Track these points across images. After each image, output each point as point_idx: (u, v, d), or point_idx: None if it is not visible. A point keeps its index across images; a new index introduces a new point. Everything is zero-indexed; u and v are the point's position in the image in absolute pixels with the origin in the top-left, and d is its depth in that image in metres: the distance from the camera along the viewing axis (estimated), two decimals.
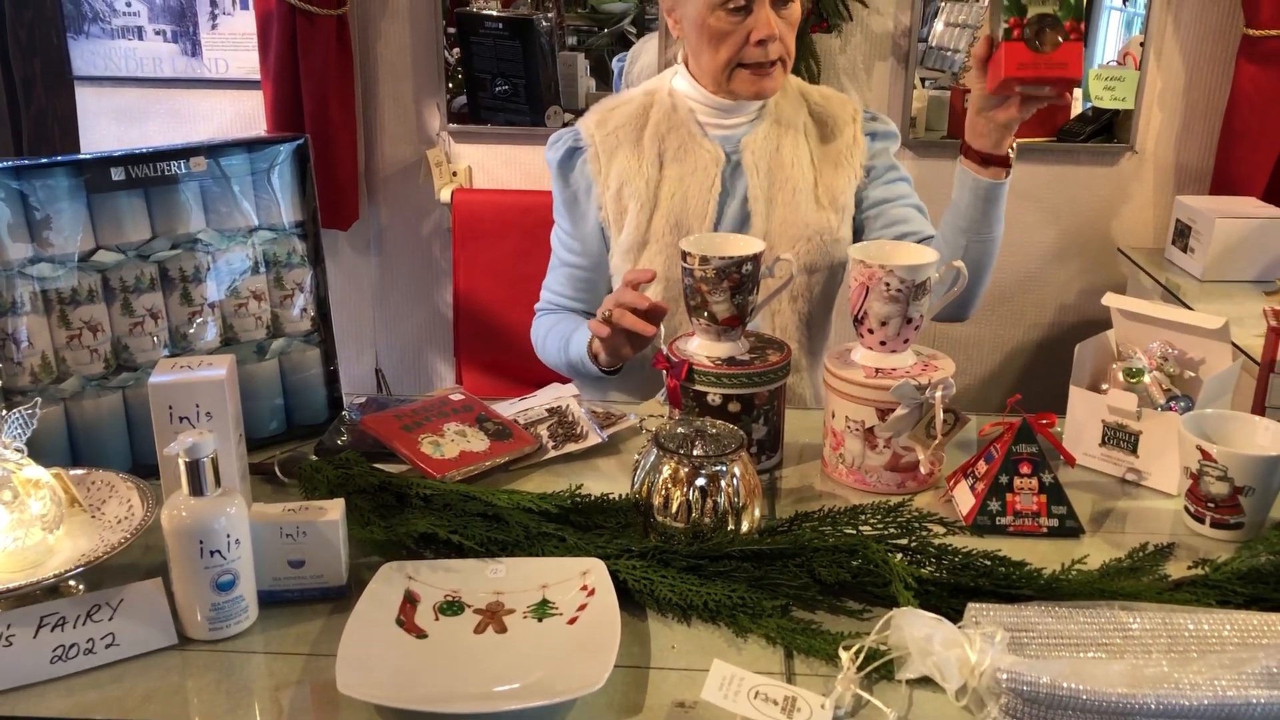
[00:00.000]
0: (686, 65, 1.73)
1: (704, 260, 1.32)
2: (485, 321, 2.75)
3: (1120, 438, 1.34)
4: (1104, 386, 1.36)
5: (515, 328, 2.75)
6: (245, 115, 2.92)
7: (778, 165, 1.71)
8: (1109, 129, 2.87)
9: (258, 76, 2.80)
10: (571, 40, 2.84)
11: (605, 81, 2.87)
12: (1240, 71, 2.67)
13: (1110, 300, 1.41)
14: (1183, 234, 2.58)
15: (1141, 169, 2.86)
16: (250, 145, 1.37)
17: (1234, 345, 1.34)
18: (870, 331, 1.31)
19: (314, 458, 1.31)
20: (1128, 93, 2.79)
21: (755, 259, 1.34)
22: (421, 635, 1.01)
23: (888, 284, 1.27)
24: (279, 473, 1.30)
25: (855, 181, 1.74)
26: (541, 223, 2.77)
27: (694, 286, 1.34)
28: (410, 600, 1.05)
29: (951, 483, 1.31)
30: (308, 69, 2.69)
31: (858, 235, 1.77)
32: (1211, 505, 1.21)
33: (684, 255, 1.34)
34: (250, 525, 1.03)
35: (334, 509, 1.08)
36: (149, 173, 1.29)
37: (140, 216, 1.29)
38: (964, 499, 1.26)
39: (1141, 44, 2.77)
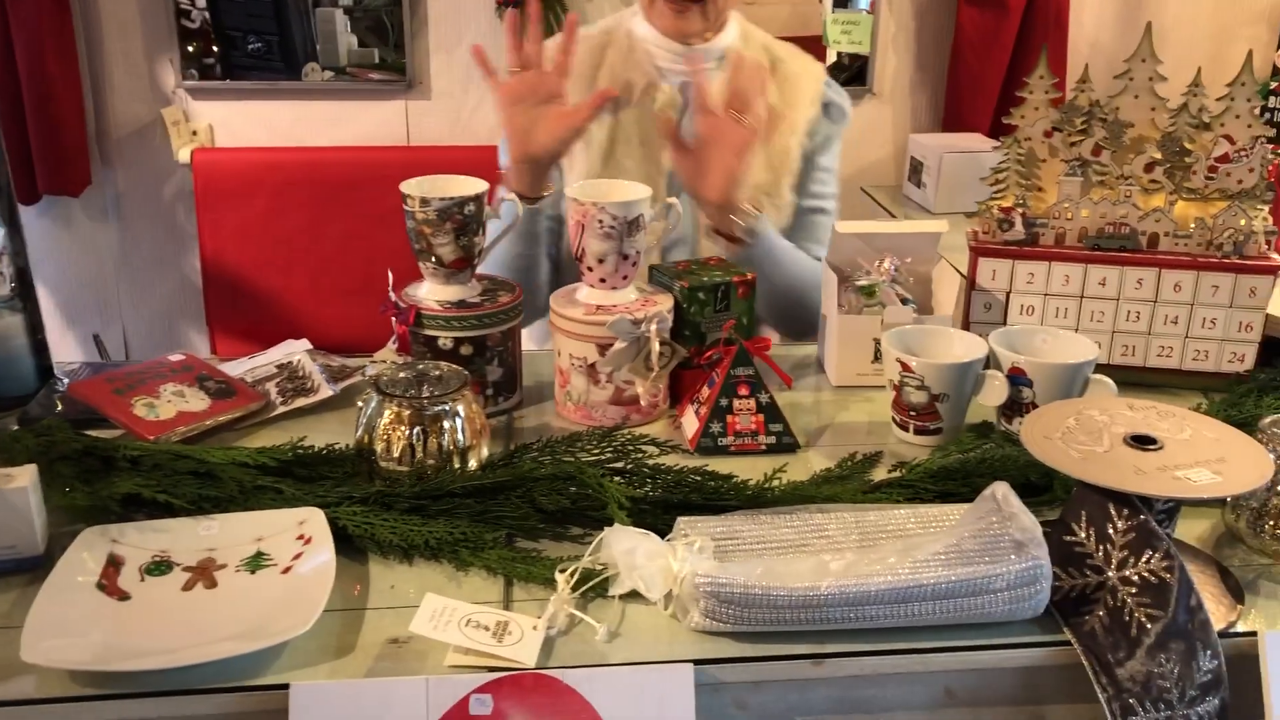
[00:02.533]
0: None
1: (424, 202, 1.31)
2: (236, 286, 2.64)
3: None
4: (841, 306, 1.43)
5: (269, 291, 2.66)
6: None
7: None
8: (861, 76, 2.99)
9: None
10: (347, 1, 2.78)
11: (381, 37, 2.81)
12: (962, 14, 2.84)
13: (841, 227, 1.47)
14: (916, 170, 2.73)
15: (880, 110, 3.00)
16: None
17: (941, 257, 1.43)
18: (590, 269, 1.33)
19: (15, 428, 1.23)
20: (864, 36, 2.92)
21: (478, 199, 1.33)
22: (124, 597, 0.97)
23: (601, 221, 1.29)
24: None
25: (801, 145, 1.74)
26: (291, 181, 2.69)
27: (417, 229, 1.32)
28: (114, 563, 1.01)
29: (679, 411, 1.35)
30: (18, 23, 2.50)
31: None
32: (913, 413, 1.29)
33: (404, 198, 1.32)
34: None
35: (23, 475, 1.02)
36: None
37: None
38: (689, 424, 1.31)
39: None
